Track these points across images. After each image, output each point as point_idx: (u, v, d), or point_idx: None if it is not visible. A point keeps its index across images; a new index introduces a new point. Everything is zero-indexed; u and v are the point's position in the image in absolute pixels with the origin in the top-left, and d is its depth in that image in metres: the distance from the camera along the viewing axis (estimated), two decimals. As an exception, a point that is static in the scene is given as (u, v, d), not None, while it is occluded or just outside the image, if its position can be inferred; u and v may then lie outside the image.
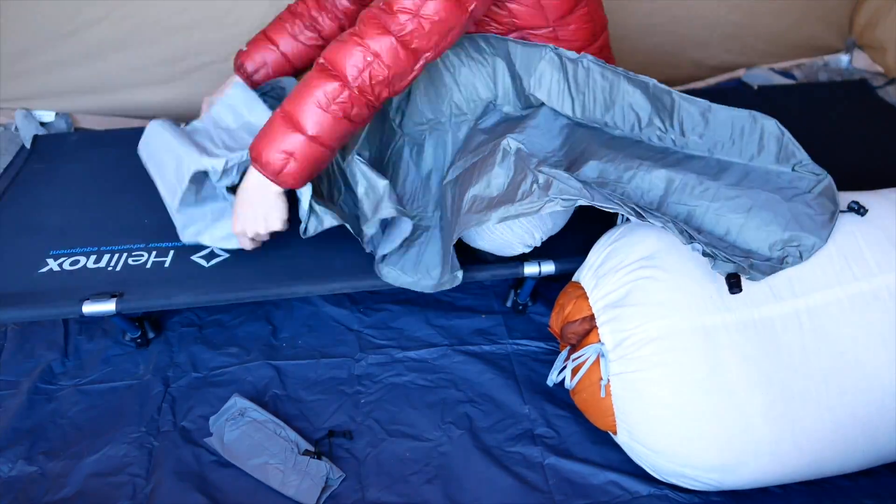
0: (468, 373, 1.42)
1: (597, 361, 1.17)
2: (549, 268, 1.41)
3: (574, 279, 1.33)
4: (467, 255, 1.46)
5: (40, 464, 1.25)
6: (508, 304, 1.58)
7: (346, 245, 1.47)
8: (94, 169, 1.61)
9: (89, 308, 1.29)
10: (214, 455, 1.26)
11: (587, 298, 1.23)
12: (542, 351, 1.47)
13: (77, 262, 1.38)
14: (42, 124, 2.02)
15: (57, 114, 2.03)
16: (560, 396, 1.37)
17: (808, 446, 1.09)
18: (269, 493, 1.21)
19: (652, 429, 1.12)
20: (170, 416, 1.33)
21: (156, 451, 1.27)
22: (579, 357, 1.20)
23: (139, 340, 1.46)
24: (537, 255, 1.43)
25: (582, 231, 1.49)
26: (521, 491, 1.22)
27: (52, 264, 1.39)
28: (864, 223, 1.19)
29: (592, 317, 1.21)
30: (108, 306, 1.30)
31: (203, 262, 1.39)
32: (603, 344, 1.17)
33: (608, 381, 1.15)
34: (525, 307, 1.57)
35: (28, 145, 1.83)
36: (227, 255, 1.40)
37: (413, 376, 1.41)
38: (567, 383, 1.22)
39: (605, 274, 1.21)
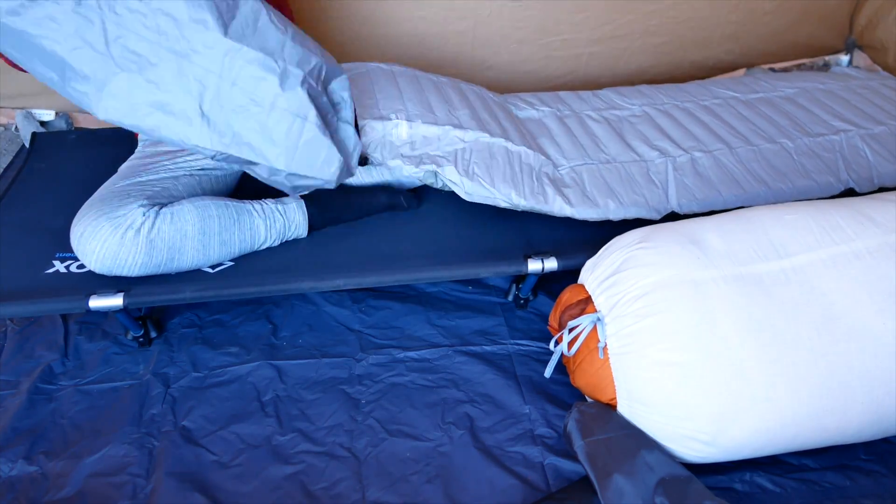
0: (469, 373, 1.42)
1: (594, 331, 1.21)
2: (551, 264, 1.42)
3: (579, 281, 1.34)
4: (470, 252, 1.46)
5: (40, 464, 1.25)
6: (510, 297, 1.59)
7: (347, 242, 1.47)
8: (95, 168, 1.60)
9: (96, 303, 1.30)
10: (215, 455, 1.26)
11: (586, 290, 1.28)
12: (543, 351, 1.47)
13: (84, 265, 1.37)
14: (42, 123, 2.02)
15: (57, 113, 2.03)
16: (560, 397, 1.37)
17: (804, 392, 1.09)
18: (269, 493, 1.21)
19: (649, 382, 1.13)
20: (170, 416, 1.33)
21: (156, 451, 1.27)
22: (576, 326, 1.23)
23: (141, 339, 1.46)
24: (541, 251, 1.45)
25: (585, 229, 1.51)
26: (522, 491, 1.22)
27: (59, 266, 1.40)
28: (839, 206, 1.27)
29: (589, 298, 1.25)
30: (116, 301, 1.30)
31: (209, 270, 1.39)
32: (599, 311, 1.21)
33: (605, 343, 1.18)
34: (526, 301, 1.57)
35: (28, 145, 1.83)
36: (231, 264, 1.41)
37: (414, 376, 1.41)
38: (566, 351, 1.25)
39: (602, 265, 1.26)
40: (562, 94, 1.91)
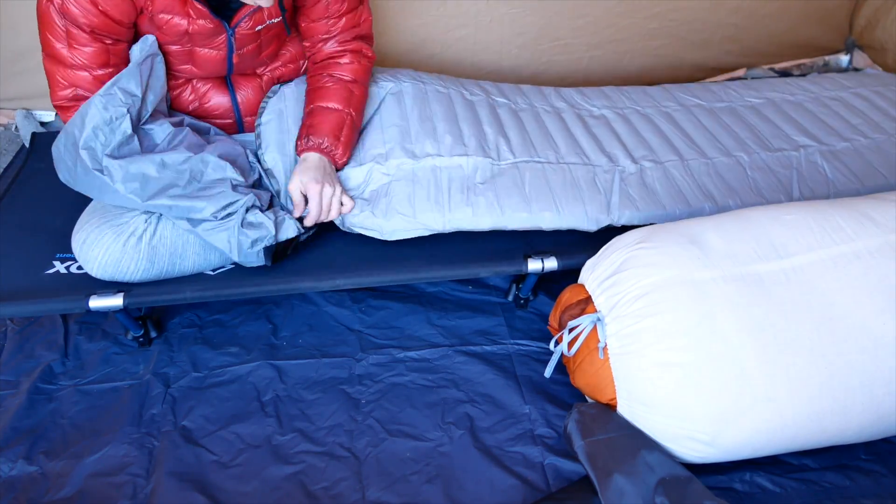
0: (469, 373, 1.42)
1: (594, 331, 1.20)
2: (551, 264, 1.42)
3: (579, 281, 1.33)
4: (470, 252, 1.46)
5: (40, 463, 1.25)
6: (510, 297, 1.59)
7: (347, 242, 1.47)
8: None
9: (96, 303, 1.29)
10: (215, 455, 1.26)
11: (586, 290, 1.27)
12: (543, 351, 1.47)
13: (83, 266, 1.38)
14: (42, 124, 2.02)
15: (57, 113, 2.03)
16: (560, 397, 1.37)
17: (805, 392, 1.09)
18: (269, 493, 1.21)
19: (649, 382, 1.13)
20: (170, 416, 1.33)
21: (156, 451, 1.27)
22: (577, 326, 1.22)
23: (141, 339, 1.46)
24: (541, 251, 1.45)
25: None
26: (521, 491, 1.22)
27: (59, 266, 1.40)
28: (839, 206, 1.26)
29: (589, 298, 1.25)
30: (116, 301, 1.30)
31: (209, 272, 1.40)
32: (599, 311, 1.21)
33: (605, 343, 1.18)
34: (526, 301, 1.57)
35: (28, 145, 1.83)
36: (230, 266, 1.41)
37: (414, 376, 1.41)
38: (566, 351, 1.24)
39: (602, 265, 1.26)
40: (524, 87, 1.85)
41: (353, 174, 1.47)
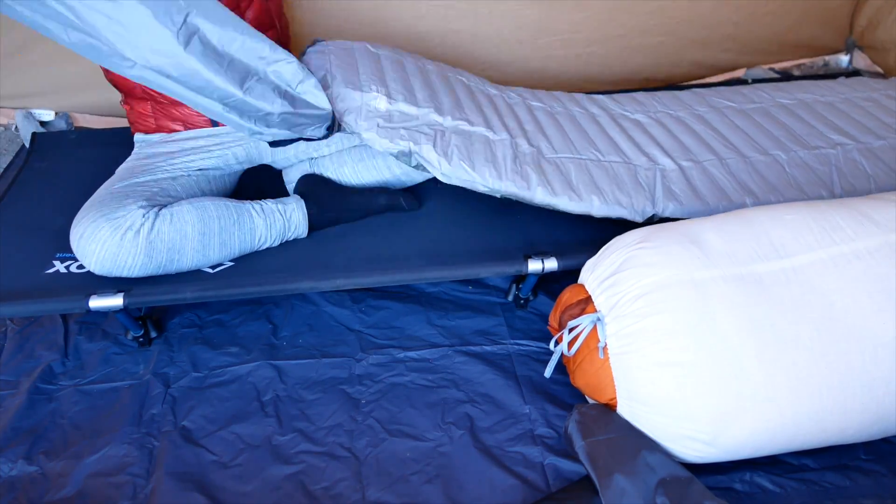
0: (469, 373, 1.42)
1: (594, 331, 1.20)
2: (551, 264, 1.42)
3: (579, 281, 1.34)
4: (470, 252, 1.46)
5: (40, 464, 1.25)
6: (510, 297, 1.59)
7: (347, 242, 1.47)
8: (95, 168, 1.61)
9: (96, 303, 1.30)
10: (215, 455, 1.26)
11: (586, 290, 1.28)
12: (543, 351, 1.47)
13: (84, 265, 1.37)
14: (42, 124, 2.02)
15: (57, 113, 2.03)
16: (561, 397, 1.37)
17: (805, 392, 1.09)
18: (269, 493, 1.21)
19: (649, 382, 1.13)
20: (170, 416, 1.33)
21: (156, 451, 1.27)
22: (577, 326, 1.23)
23: (141, 339, 1.46)
24: (541, 251, 1.45)
25: (585, 229, 1.51)
26: (521, 491, 1.21)
27: (59, 266, 1.40)
28: (839, 206, 1.26)
29: (589, 297, 1.25)
30: (116, 301, 1.30)
31: (208, 270, 1.40)
32: (599, 311, 1.21)
33: (605, 343, 1.18)
34: (527, 301, 1.57)
35: (28, 145, 1.83)
36: (231, 264, 1.41)
37: (414, 376, 1.41)
38: (566, 351, 1.25)
39: (602, 265, 1.26)
40: (556, 93, 1.88)
41: (408, 109, 1.47)
